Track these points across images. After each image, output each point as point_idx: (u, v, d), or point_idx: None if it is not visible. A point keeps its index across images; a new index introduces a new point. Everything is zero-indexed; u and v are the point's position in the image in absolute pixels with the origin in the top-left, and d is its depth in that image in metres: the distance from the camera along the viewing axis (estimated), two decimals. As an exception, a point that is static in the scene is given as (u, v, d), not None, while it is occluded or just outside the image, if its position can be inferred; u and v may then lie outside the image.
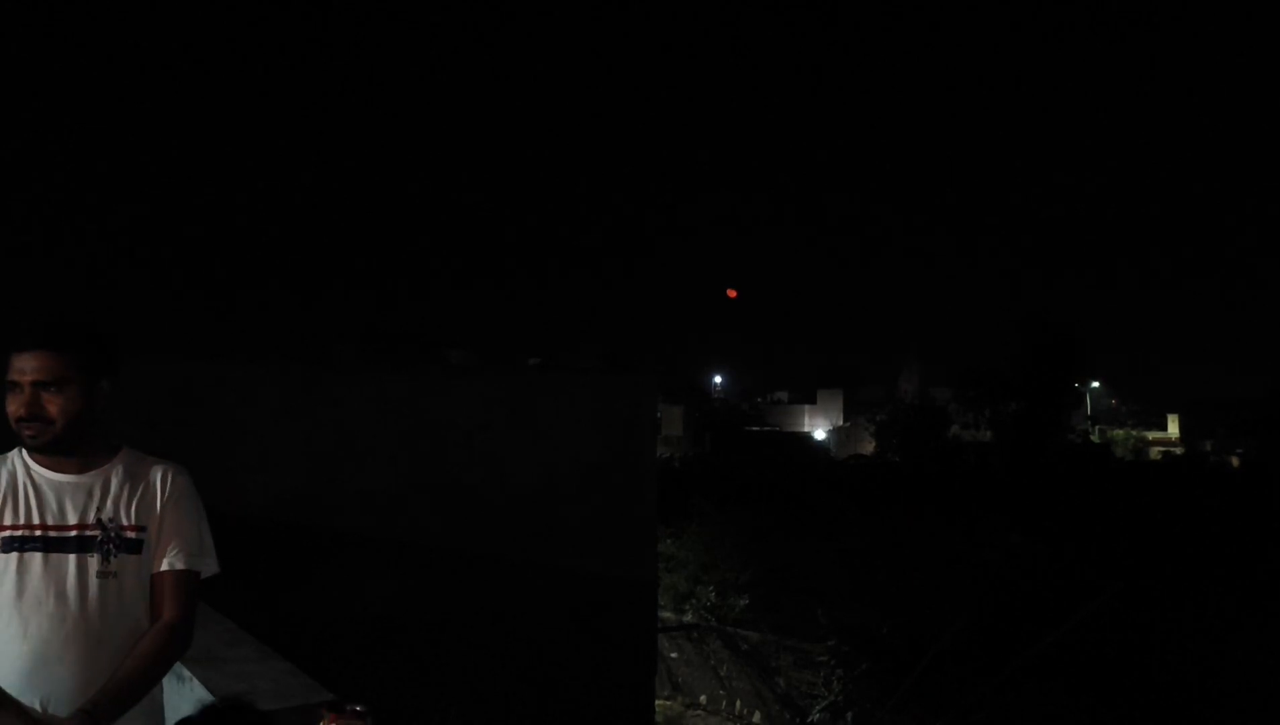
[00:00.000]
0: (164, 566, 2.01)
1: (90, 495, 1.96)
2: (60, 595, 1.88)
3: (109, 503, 1.96)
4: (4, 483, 1.91)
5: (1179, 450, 40.82)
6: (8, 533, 1.87)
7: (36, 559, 1.88)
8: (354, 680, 2.86)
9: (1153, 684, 9.77)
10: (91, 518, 1.93)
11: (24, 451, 1.97)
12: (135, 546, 1.97)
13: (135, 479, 2.02)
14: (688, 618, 14.41)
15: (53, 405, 1.89)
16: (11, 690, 1.81)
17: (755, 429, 44.43)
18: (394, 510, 7.76)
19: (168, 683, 2.68)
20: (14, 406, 1.91)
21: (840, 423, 54.20)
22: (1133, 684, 9.86)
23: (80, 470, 1.96)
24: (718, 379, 61.76)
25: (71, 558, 1.90)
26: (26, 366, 1.89)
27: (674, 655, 14.36)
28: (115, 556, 1.93)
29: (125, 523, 1.96)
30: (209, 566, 2.13)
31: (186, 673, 2.61)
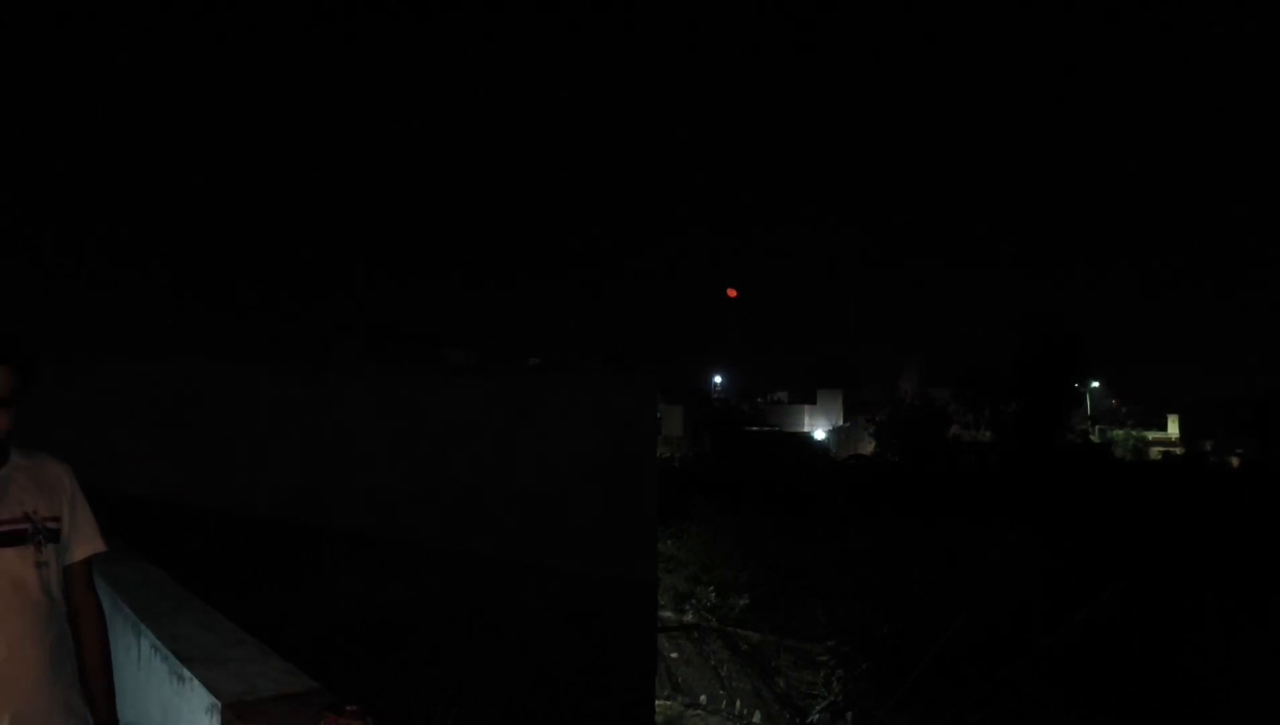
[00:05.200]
0: (82, 554, 2.14)
1: (6, 491, 2.01)
2: (10, 588, 1.93)
3: (28, 497, 2.01)
4: None
5: (1179, 450, 40.81)
6: None
7: None
8: (354, 680, 2.86)
9: (1153, 684, 9.78)
10: (18, 512, 1.98)
11: None
12: (55, 536, 2.06)
13: (37, 473, 2.08)
14: (688, 618, 14.41)
15: (5, 421, 1.94)
16: None
17: (755, 429, 44.35)
18: (394, 510, 7.77)
19: (169, 683, 2.68)
20: None
21: (840, 423, 54.19)
22: (1133, 684, 9.86)
23: None
24: (718, 379, 61.78)
25: (10, 551, 1.95)
26: None
27: (674, 655, 14.36)
28: (45, 547, 2.02)
29: (45, 514, 2.04)
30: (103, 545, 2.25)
31: (187, 673, 2.61)
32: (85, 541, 2.15)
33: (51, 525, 2.05)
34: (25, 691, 1.92)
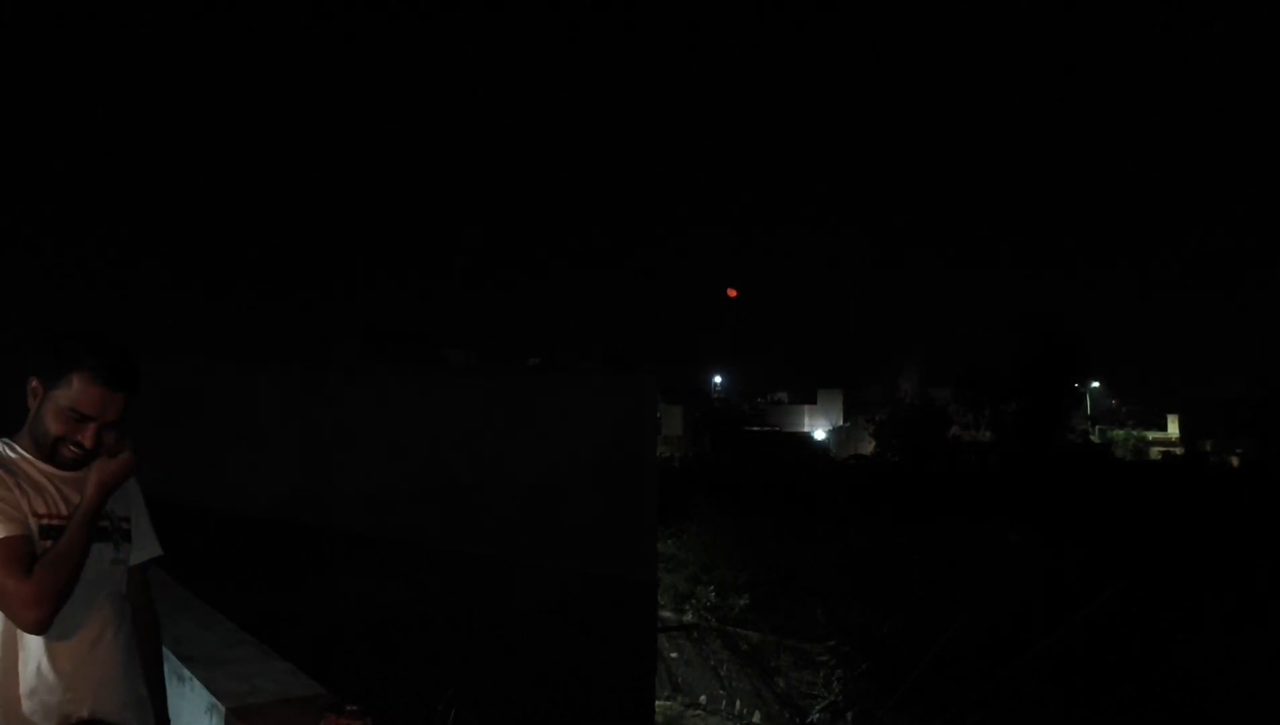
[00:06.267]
0: (144, 557, 2.19)
1: None
2: (95, 582, 1.96)
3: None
4: (20, 474, 1.93)
5: (1179, 450, 40.79)
6: (45, 521, 1.91)
7: None
8: (354, 680, 2.86)
9: (1153, 684, 9.77)
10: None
11: (13, 446, 1.98)
12: (129, 536, 2.11)
13: None
14: (688, 618, 14.41)
15: (108, 438, 1.96)
16: (69, 674, 1.91)
17: (755, 429, 44.33)
18: (394, 510, 7.76)
19: (169, 683, 2.69)
20: (72, 431, 1.93)
21: (840, 423, 54.16)
22: (1133, 684, 9.86)
23: (77, 469, 2.01)
24: (718, 379, 61.70)
25: (97, 547, 1.97)
26: (109, 406, 1.93)
27: (674, 655, 14.36)
28: (121, 545, 2.07)
29: (121, 514, 2.08)
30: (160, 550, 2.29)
31: (187, 673, 2.61)
32: (146, 545, 2.19)
33: (125, 526, 2.09)
34: (103, 685, 1.96)
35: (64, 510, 1.93)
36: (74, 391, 1.90)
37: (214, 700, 2.41)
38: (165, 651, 2.77)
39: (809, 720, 11.95)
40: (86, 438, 1.92)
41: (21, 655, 1.87)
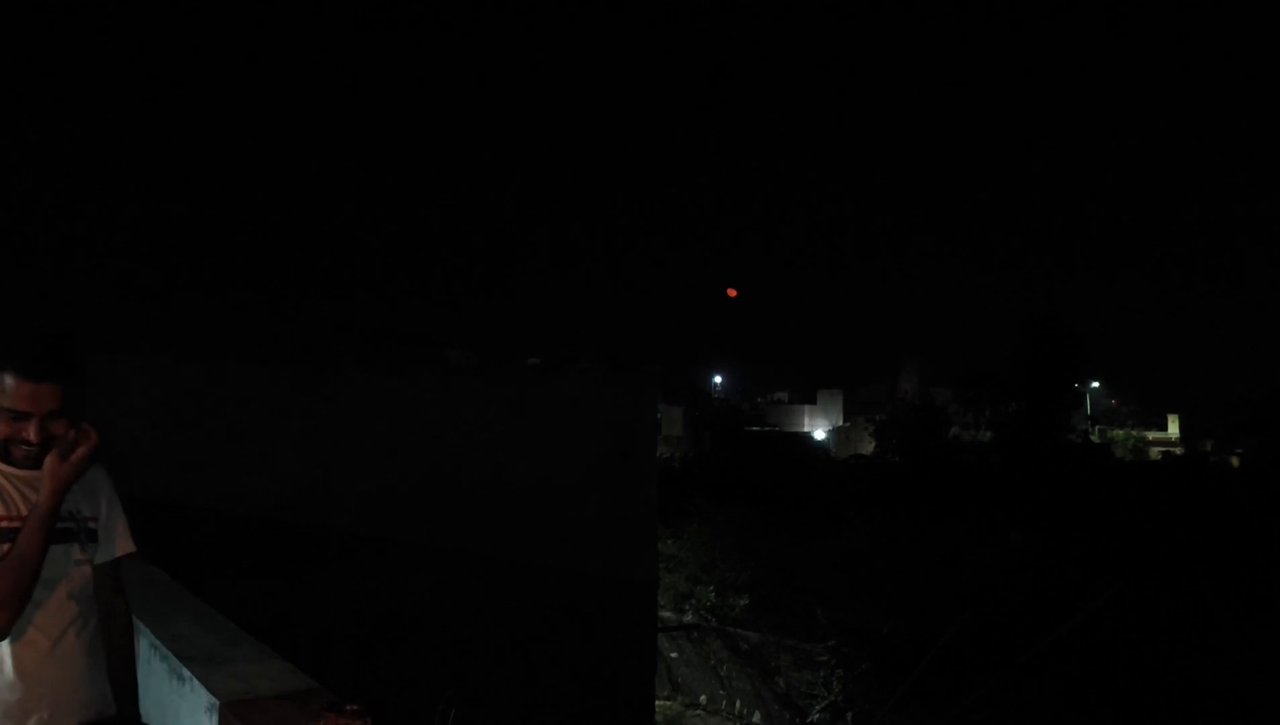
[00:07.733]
0: (116, 553, 2.16)
1: None
2: (55, 583, 1.96)
3: (71, 497, 2.01)
4: None
5: (1179, 450, 40.80)
6: (3, 523, 1.91)
7: None
8: (354, 680, 2.86)
9: (1153, 684, 9.77)
10: (64, 511, 1.98)
11: None
12: (94, 535, 2.10)
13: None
14: (688, 618, 14.41)
15: (58, 429, 1.95)
16: (30, 674, 1.90)
17: (755, 429, 44.36)
18: (393, 510, 7.76)
19: (168, 682, 2.69)
20: (16, 430, 1.92)
21: (840, 423, 54.18)
22: (1132, 683, 9.86)
23: (37, 466, 1.99)
24: (718, 379, 61.71)
25: (58, 548, 1.97)
26: (42, 398, 1.91)
27: (674, 655, 14.36)
28: (86, 546, 2.05)
29: (86, 514, 2.07)
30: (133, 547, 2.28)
31: (186, 673, 2.61)
32: (117, 542, 2.18)
33: (91, 525, 2.09)
34: (65, 683, 1.96)
35: (24, 511, 1.92)
36: (5, 391, 1.88)
37: (213, 699, 2.41)
38: (164, 650, 2.77)
39: (809, 720, 11.95)
40: (31, 433, 1.91)
41: None
